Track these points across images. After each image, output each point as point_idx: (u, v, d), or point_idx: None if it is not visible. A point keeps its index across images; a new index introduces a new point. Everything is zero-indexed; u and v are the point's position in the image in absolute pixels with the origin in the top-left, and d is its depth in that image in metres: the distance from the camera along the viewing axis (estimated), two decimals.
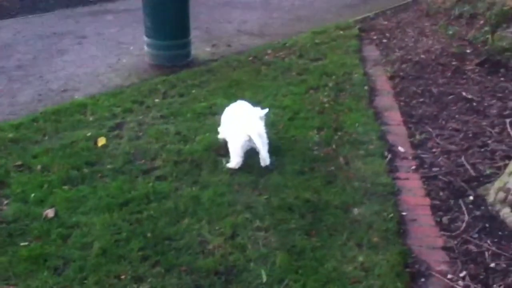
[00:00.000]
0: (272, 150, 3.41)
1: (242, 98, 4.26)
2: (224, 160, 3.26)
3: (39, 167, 3.20)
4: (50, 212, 2.75)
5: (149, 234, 2.58)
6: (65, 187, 3.00)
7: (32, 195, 2.91)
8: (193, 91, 4.47)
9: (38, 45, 5.91)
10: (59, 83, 4.76)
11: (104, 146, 3.49)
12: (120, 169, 3.20)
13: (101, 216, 2.73)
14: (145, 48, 5.32)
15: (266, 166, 3.17)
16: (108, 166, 3.23)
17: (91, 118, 3.92)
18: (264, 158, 3.16)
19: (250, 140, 3.11)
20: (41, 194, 2.92)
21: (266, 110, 3.38)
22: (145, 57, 5.39)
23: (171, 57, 5.19)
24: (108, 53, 5.66)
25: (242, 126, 3.15)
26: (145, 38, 5.24)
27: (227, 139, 3.29)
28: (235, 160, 3.18)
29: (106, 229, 2.62)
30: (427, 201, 2.93)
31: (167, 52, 5.16)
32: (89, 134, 3.64)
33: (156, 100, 4.27)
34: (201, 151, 3.38)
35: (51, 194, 2.92)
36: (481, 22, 5.80)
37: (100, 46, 5.89)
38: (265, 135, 3.20)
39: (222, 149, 3.40)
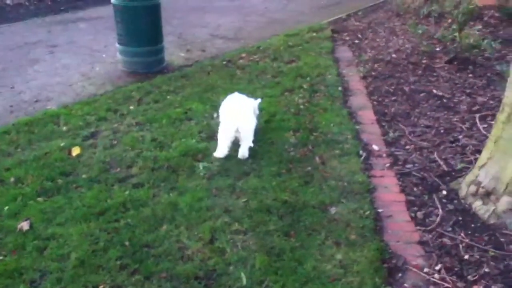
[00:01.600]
0: (249, 153, 3.44)
1: (217, 102, 4.30)
2: (201, 165, 3.26)
3: (12, 179, 3.14)
4: (25, 225, 2.71)
5: (127, 243, 2.56)
6: (40, 199, 2.95)
7: (6, 208, 2.86)
8: (168, 97, 4.46)
9: (9, 55, 5.81)
10: (31, 94, 4.69)
11: (78, 155, 3.45)
12: (96, 178, 3.17)
13: (78, 226, 2.69)
14: (118, 55, 5.28)
15: (244, 170, 3.20)
16: (83, 176, 3.19)
17: (64, 128, 3.87)
18: (244, 151, 3.34)
19: (237, 131, 3.29)
20: (15, 207, 2.87)
21: (259, 100, 3.66)
22: (118, 64, 5.36)
23: (145, 64, 5.16)
24: (81, 61, 5.60)
25: (231, 118, 3.31)
26: (118, 46, 5.20)
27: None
28: (220, 150, 3.36)
29: (83, 239, 2.59)
30: (402, 197, 2.98)
31: (141, 59, 5.13)
32: (63, 144, 3.59)
33: (131, 107, 4.24)
34: (177, 157, 3.37)
35: (25, 207, 2.87)
36: (449, 20, 5.95)
37: (73, 55, 5.82)
38: (251, 127, 3.39)
39: (199, 154, 3.41)
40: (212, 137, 3.70)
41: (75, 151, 3.51)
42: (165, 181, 3.12)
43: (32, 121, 3.99)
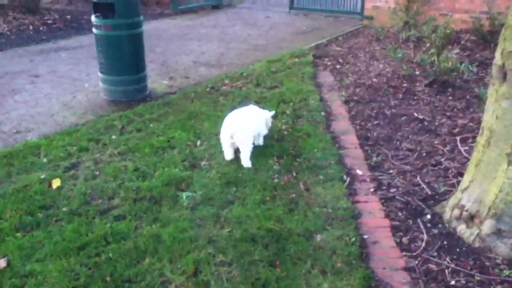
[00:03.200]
0: (233, 181, 3.42)
1: (201, 129, 4.30)
2: (184, 195, 3.22)
3: None
4: (1, 262, 2.62)
5: (108, 278, 2.49)
6: (18, 234, 2.87)
7: None
8: (151, 125, 4.43)
9: None
10: (11, 125, 4.62)
11: (59, 188, 3.39)
12: (76, 211, 3.10)
13: (57, 262, 2.62)
14: (100, 84, 5.26)
15: (228, 199, 3.18)
16: (64, 209, 3.12)
17: (45, 160, 3.80)
18: (244, 161, 3.58)
19: (232, 138, 3.54)
20: None
21: (273, 112, 3.97)
22: (100, 93, 5.33)
23: (127, 92, 5.15)
24: (62, 91, 5.56)
25: (226, 126, 3.59)
26: (100, 74, 5.18)
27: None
28: (225, 154, 3.68)
29: (63, 276, 2.51)
30: (387, 222, 2.97)
31: (123, 87, 5.12)
32: (43, 176, 3.52)
33: (113, 137, 4.19)
34: (160, 186, 3.33)
35: (2, 243, 2.79)
36: (427, 44, 6.06)
37: (54, 84, 5.78)
38: (245, 137, 3.55)
39: (182, 183, 3.37)
40: (195, 165, 3.67)
41: (56, 183, 3.44)
42: (148, 212, 3.07)
43: (11, 152, 3.92)
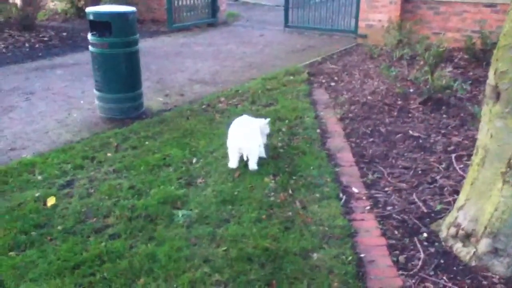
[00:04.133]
0: (229, 199, 3.41)
1: (196, 147, 4.30)
2: (180, 213, 3.21)
3: None
4: None
5: None
6: (12, 253, 2.83)
7: None
8: (146, 143, 4.42)
9: None
10: (6, 142, 4.59)
11: (53, 206, 3.36)
12: (71, 230, 3.07)
13: (52, 282, 2.58)
14: (96, 101, 5.26)
15: (224, 217, 3.16)
16: (58, 228, 3.09)
17: (40, 177, 3.78)
18: (252, 166, 3.84)
19: (240, 150, 3.82)
20: None
21: (268, 119, 4.12)
22: (96, 110, 5.33)
23: (122, 110, 5.15)
24: (57, 108, 5.55)
25: (234, 138, 3.84)
26: (96, 92, 5.19)
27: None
28: (231, 162, 3.90)
29: None
30: (383, 241, 2.97)
31: (119, 105, 5.12)
32: (37, 194, 3.49)
33: (108, 154, 4.18)
34: (155, 205, 3.31)
35: None
36: (421, 63, 6.14)
37: (50, 102, 5.78)
38: (253, 146, 3.82)
39: (178, 201, 3.36)
40: (191, 183, 3.66)
41: (50, 201, 3.42)
42: (143, 231, 3.04)
43: (6, 170, 3.89)
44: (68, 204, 3.39)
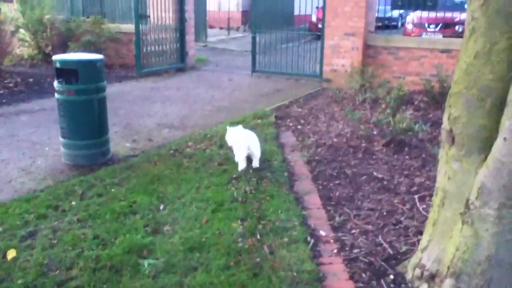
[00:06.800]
0: (197, 246, 3.38)
1: (164, 193, 4.27)
2: (146, 262, 3.14)
3: None
4: None
5: None
6: None
7: None
8: (112, 190, 4.36)
9: None
10: None
11: (14, 258, 3.23)
12: (32, 284, 2.95)
13: None
14: (62, 148, 5.19)
15: (192, 265, 3.12)
16: (19, 282, 2.97)
17: (0, 229, 3.65)
18: (256, 163, 4.82)
19: (249, 149, 4.73)
20: None
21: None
22: (61, 157, 5.24)
23: (88, 156, 5.09)
24: (21, 155, 5.43)
25: (244, 140, 4.79)
26: (61, 139, 5.13)
27: (234, 151, 4.96)
28: (241, 165, 4.77)
29: None
30: (351, 284, 2.98)
31: (84, 152, 5.06)
32: None
33: (73, 203, 4.10)
34: (121, 254, 3.24)
35: None
36: (383, 106, 6.36)
37: (13, 149, 5.65)
38: (259, 145, 4.89)
39: (144, 250, 3.30)
40: (158, 230, 3.62)
41: (11, 254, 3.29)
42: (108, 283, 2.96)
43: None
44: (30, 256, 3.28)
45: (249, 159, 4.87)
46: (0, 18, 9.96)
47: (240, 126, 5.06)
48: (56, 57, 4.99)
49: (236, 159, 4.88)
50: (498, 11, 2.42)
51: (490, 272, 2.56)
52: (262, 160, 5.03)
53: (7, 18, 10.35)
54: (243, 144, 4.73)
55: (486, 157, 2.53)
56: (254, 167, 4.77)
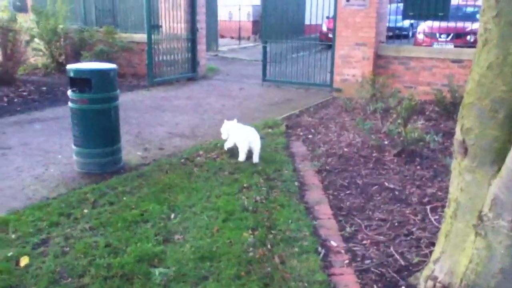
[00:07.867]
0: (207, 255, 3.38)
1: (175, 202, 4.29)
2: (157, 271, 3.15)
3: None
4: None
5: None
6: None
7: None
8: (124, 198, 4.39)
9: None
10: None
11: (27, 266, 3.27)
12: None
13: None
14: (74, 156, 5.25)
15: (202, 274, 3.12)
16: None
17: (13, 236, 3.69)
18: (256, 158, 5.25)
19: (251, 142, 5.19)
20: None
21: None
22: (74, 165, 5.29)
23: (101, 165, 5.13)
24: (35, 163, 5.50)
25: (247, 134, 5.26)
26: (74, 147, 5.19)
27: (237, 144, 5.37)
28: (242, 156, 5.28)
29: None
30: None
31: (97, 160, 5.11)
32: (10, 254, 3.40)
33: (85, 211, 4.13)
34: (132, 263, 3.25)
35: None
36: (394, 116, 6.34)
37: (26, 157, 5.73)
38: (259, 139, 5.31)
39: (155, 259, 3.31)
40: (169, 239, 3.63)
41: (24, 260, 3.32)
42: None
43: None
44: (42, 263, 3.31)
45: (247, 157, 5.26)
46: (16, 28, 10.12)
47: (235, 120, 5.46)
48: (70, 66, 5.06)
49: (225, 147, 5.52)
50: (511, 23, 2.42)
51: (504, 285, 2.53)
52: (273, 170, 5.04)
53: (22, 28, 10.52)
54: (244, 139, 5.15)
55: (499, 169, 2.52)
56: (254, 162, 5.14)
